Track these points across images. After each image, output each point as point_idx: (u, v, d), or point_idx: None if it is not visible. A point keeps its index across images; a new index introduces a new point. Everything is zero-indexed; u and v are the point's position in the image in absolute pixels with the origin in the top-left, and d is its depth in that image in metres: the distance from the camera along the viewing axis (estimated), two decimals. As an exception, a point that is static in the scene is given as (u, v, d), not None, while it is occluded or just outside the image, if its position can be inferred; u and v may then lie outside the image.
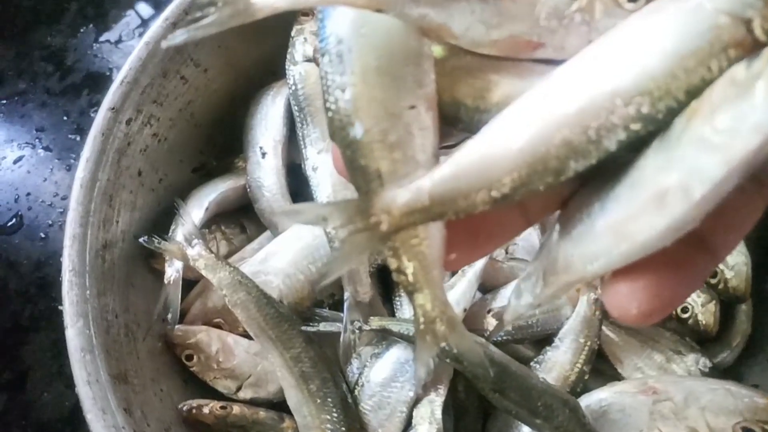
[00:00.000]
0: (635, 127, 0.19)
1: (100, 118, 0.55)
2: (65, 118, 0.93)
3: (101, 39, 0.98)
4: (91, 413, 0.47)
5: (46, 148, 0.90)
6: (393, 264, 0.24)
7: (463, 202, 0.21)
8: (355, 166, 0.23)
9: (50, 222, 0.84)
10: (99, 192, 0.54)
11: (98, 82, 0.95)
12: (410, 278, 0.23)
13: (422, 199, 0.21)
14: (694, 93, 0.19)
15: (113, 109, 0.55)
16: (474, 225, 0.23)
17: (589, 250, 0.21)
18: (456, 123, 0.24)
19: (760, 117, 0.16)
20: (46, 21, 1.00)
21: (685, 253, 0.20)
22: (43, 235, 0.84)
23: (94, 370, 0.48)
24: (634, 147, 0.20)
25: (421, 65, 0.24)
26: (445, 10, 0.22)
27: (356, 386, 0.57)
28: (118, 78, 0.56)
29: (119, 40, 0.97)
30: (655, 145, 0.20)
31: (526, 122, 0.20)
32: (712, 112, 0.18)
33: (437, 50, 0.25)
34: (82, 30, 0.99)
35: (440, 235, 0.24)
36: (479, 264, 0.60)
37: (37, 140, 0.91)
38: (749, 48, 0.18)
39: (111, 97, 0.56)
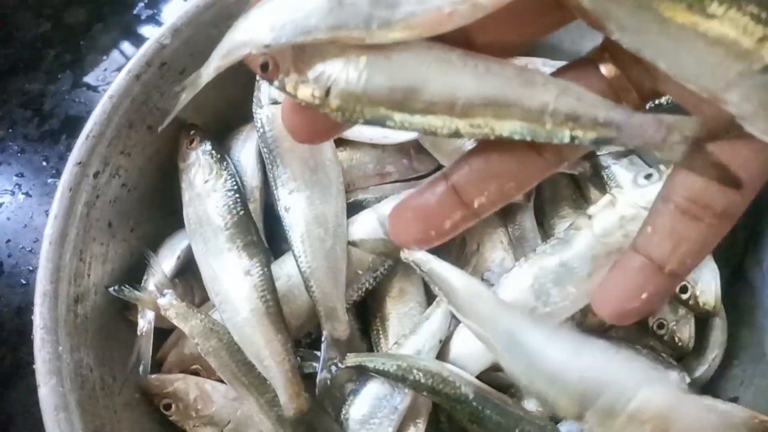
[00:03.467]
0: None
1: (67, 174, 0.56)
2: (44, 163, 0.94)
3: (79, 84, 0.99)
4: (66, 473, 0.47)
5: (26, 194, 0.91)
6: None
7: None
8: None
9: (31, 268, 0.85)
10: (68, 247, 0.55)
11: (76, 126, 0.94)
12: None
13: None
14: None
15: (80, 163, 0.56)
16: (426, 220, 0.28)
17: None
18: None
19: None
20: (24, 68, 1.01)
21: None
22: (24, 282, 0.84)
23: (69, 429, 0.48)
24: None
25: None
26: (336, 18, 0.23)
27: (336, 425, 0.57)
28: (84, 132, 0.57)
29: (97, 85, 0.98)
30: None
31: None
32: None
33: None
34: (59, 76, 1.00)
35: None
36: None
37: (16, 186, 0.91)
38: None
39: (77, 152, 0.56)
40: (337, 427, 0.55)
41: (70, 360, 0.52)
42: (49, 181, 0.92)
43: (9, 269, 0.85)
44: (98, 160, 0.57)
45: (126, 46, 1.02)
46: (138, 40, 1.02)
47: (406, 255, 0.55)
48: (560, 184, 0.68)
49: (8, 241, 0.87)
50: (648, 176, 0.50)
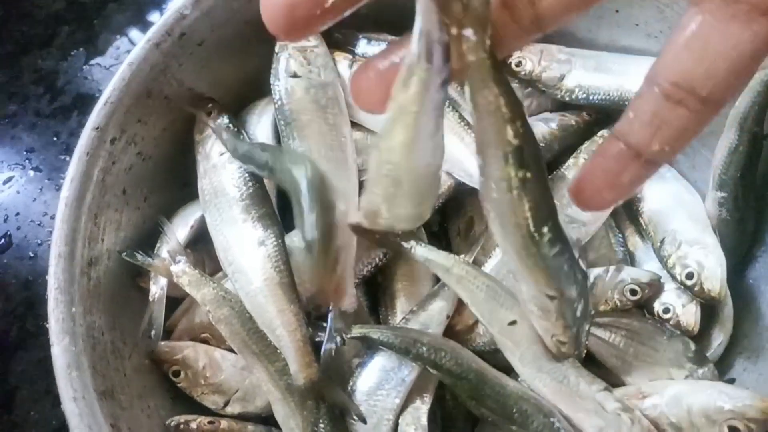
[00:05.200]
0: None
1: (85, 138, 0.56)
2: (55, 139, 0.94)
3: (91, 62, 0.99)
4: (77, 430, 0.47)
5: (36, 169, 0.92)
6: None
7: None
8: None
9: (39, 241, 0.85)
10: (84, 210, 0.55)
11: (87, 103, 0.96)
12: None
13: None
14: None
15: (97, 128, 0.56)
16: (389, 83, 0.26)
17: None
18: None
19: None
20: (38, 45, 1.01)
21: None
22: (32, 255, 0.85)
23: (81, 387, 0.49)
24: None
25: None
26: None
27: (343, 396, 0.57)
28: (102, 98, 0.57)
29: (109, 63, 0.99)
30: None
31: None
32: None
33: None
34: (72, 53, 1.00)
35: None
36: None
37: (26, 161, 0.92)
38: None
39: (95, 117, 0.57)
40: (346, 397, 0.55)
41: (82, 321, 0.52)
42: (60, 156, 0.92)
43: (18, 242, 0.86)
44: (115, 127, 0.57)
45: (135, 32, 1.02)
46: (149, 23, 1.02)
47: (408, 245, 0.58)
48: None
49: (17, 214, 0.88)
50: None
